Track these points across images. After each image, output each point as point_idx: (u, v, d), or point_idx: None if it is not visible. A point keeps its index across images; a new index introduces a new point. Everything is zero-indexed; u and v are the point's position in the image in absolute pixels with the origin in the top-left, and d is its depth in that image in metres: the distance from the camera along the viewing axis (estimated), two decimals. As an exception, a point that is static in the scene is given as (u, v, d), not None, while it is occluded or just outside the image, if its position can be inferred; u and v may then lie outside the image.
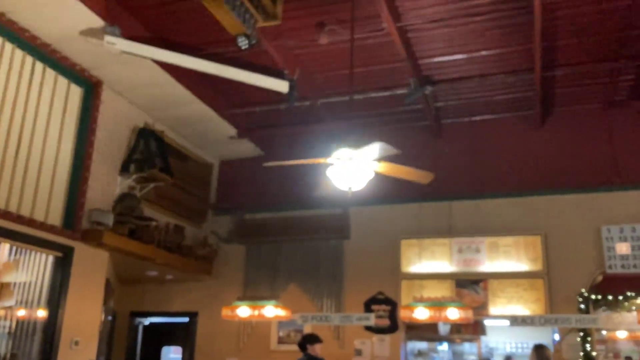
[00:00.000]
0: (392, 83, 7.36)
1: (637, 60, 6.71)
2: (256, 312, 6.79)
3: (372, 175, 5.01)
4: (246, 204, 9.14)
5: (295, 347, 8.26)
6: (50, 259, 6.35)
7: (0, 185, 5.68)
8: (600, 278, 7.41)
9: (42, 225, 6.07)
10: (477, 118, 8.29)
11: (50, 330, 6.15)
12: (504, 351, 9.39)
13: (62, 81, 6.56)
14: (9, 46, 5.85)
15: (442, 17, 6.06)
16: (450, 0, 5.80)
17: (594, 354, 7.05)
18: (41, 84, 6.25)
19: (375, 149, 4.72)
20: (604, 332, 7.84)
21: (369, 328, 7.90)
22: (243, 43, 5.65)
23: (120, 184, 7.28)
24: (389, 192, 7.88)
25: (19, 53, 5.96)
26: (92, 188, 6.73)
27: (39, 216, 6.10)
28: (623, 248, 7.29)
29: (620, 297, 7.16)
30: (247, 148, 8.99)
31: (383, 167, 5.09)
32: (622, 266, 7.26)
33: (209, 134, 8.63)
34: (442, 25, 6.19)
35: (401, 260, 8.10)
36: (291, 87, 6.67)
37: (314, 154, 5.25)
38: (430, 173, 5.40)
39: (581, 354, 7.07)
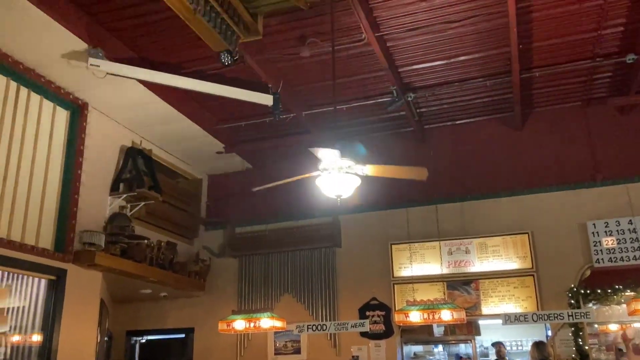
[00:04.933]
0: (374, 92, 7.48)
1: (612, 58, 6.87)
2: (252, 325, 6.80)
3: (359, 182, 5.06)
4: (236, 218, 9.20)
5: (293, 357, 8.35)
6: (43, 282, 6.34)
7: (-10, 211, 5.69)
8: (588, 272, 7.54)
9: (34, 250, 6.08)
10: (459, 122, 8.45)
11: (46, 355, 6.12)
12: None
13: (48, 105, 6.58)
14: (-8, 73, 5.89)
15: (420, 25, 6.18)
16: (427, 8, 5.93)
17: (586, 348, 7.16)
18: (26, 108, 6.27)
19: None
20: (595, 326, 7.93)
21: (364, 334, 7.97)
22: (226, 59, 5.74)
23: (111, 204, 7.30)
24: (377, 198, 7.99)
25: (2, 79, 5.98)
26: (82, 210, 6.74)
27: (30, 240, 6.10)
28: (609, 242, 7.43)
29: (609, 290, 7.27)
30: (235, 162, 9.04)
31: (375, 170, 5.09)
32: (609, 260, 7.39)
33: (197, 150, 8.69)
34: (420, 32, 6.31)
35: (392, 264, 8.18)
36: (276, 100, 6.75)
37: (301, 164, 5.31)
38: (423, 168, 5.24)
39: (574, 348, 7.19)
